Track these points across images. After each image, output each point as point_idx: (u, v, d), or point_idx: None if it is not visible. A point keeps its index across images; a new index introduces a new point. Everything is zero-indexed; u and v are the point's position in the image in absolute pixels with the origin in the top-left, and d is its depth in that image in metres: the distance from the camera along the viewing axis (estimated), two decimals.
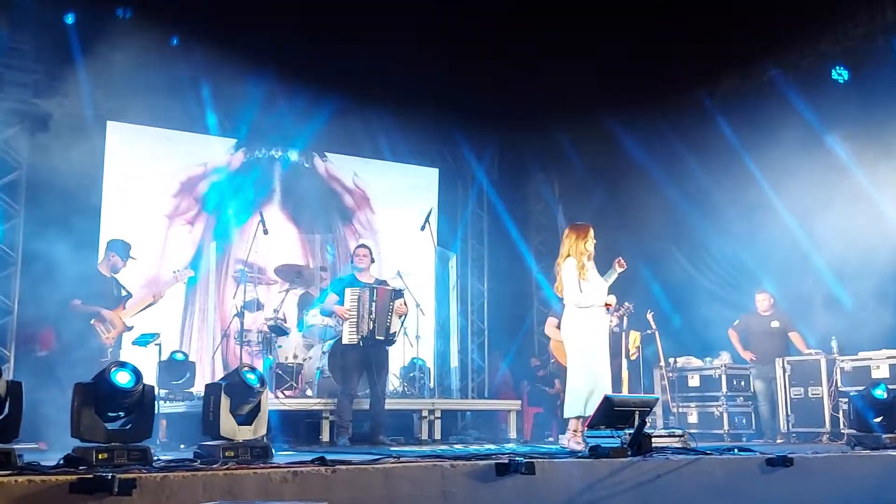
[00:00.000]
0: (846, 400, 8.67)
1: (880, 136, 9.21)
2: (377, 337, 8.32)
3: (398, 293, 8.68)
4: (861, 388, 7.93)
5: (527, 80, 11.13)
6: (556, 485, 5.04)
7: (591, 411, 6.66)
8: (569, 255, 7.12)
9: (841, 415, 9.15)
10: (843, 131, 9.67)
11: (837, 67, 9.96)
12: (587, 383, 6.90)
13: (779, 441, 9.46)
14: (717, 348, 10.69)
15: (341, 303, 8.36)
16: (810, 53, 10.09)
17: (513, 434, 9.78)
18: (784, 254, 10.23)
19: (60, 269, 9.72)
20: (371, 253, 8.79)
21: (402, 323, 8.89)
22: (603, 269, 7.30)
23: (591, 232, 7.23)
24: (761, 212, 10.33)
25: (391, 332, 8.47)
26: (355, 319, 8.28)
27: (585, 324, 7.05)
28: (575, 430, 6.91)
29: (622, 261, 7.25)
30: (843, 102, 9.54)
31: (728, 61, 10.80)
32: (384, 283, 8.82)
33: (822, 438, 9.18)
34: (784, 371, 9.76)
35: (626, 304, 9.78)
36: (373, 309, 8.31)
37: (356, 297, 8.32)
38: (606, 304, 7.13)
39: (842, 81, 9.94)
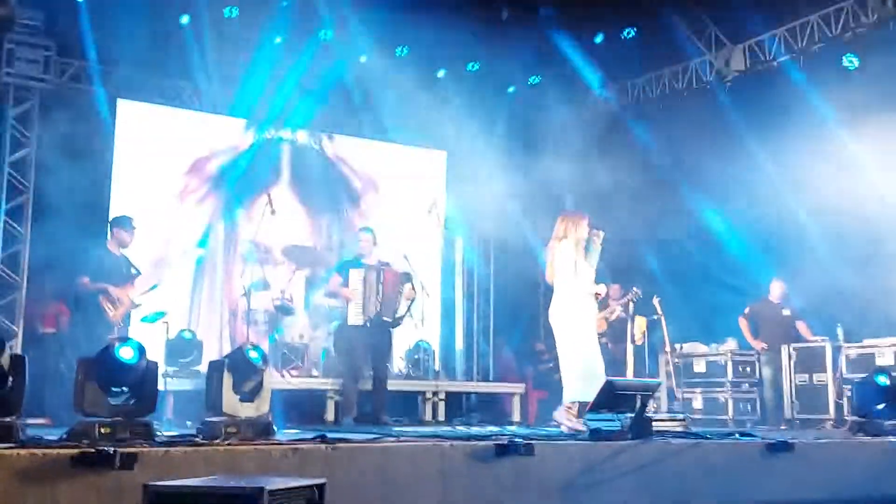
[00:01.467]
0: (850, 387, 8.67)
1: (890, 124, 9.15)
2: (384, 318, 8.34)
3: (407, 276, 8.69)
4: (865, 375, 7.92)
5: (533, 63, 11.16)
6: (554, 466, 5.07)
7: (589, 397, 6.72)
8: (565, 238, 7.12)
9: (845, 402, 9.15)
10: (853, 119, 9.62)
11: (848, 55, 9.90)
12: (584, 369, 6.93)
13: (782, 427, 9.47)
14: (723, 334, 10.69)
15: (345, 285, 8.37)
16: (820, 40, 10.03)
17: (516, 417, 9.81)
18: (791, 240, 10.21)
19: (69, 246, 9.79)
20: (374, 236, 8.77)
21: (410, 307, 8.90)
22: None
23: (587, 220, 7.24)
24: (769, 198, 10.30)
25: (398, 315, 8.49)
26: (361, 300, 8.28)
27: (577, 310, 7.06)
28: (569, 408, 6.91)
29: (600, 233, 7.22)
30: (853, 90, 9.48)
31: (737, 46, 10.79)
32: (388, 265, 8.81)
33: (825, 425, 9.18)
34: (790, 358, 9.76)
35: (634, 289, 9.79)
36: (380, 290, 8.31)
37: (361, 278, 8.32)
38: (596, 294, 7.15)
39: (852, 69, 9.88)
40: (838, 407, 9.30)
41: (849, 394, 8.91)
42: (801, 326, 9.99)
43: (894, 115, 9.06)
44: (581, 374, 6.92)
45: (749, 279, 10.62)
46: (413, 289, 8.68)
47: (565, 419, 6.86)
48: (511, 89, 12.99)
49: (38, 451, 3.89)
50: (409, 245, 11.03)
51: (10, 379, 4.28)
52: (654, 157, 11.04)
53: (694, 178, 10.91)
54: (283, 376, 8.97)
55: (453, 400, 10.17)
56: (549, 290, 7.51)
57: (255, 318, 9.77)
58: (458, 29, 11.42)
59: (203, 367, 9.21)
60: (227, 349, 10.61)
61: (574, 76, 12.25)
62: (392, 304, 8.40)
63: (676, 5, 10.88)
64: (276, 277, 10.87)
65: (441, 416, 9.31)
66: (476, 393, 11.27)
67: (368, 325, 8.28)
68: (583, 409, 7.02)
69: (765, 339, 10.10)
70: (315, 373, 9.41)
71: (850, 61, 9.92)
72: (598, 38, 11.52)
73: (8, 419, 4.20)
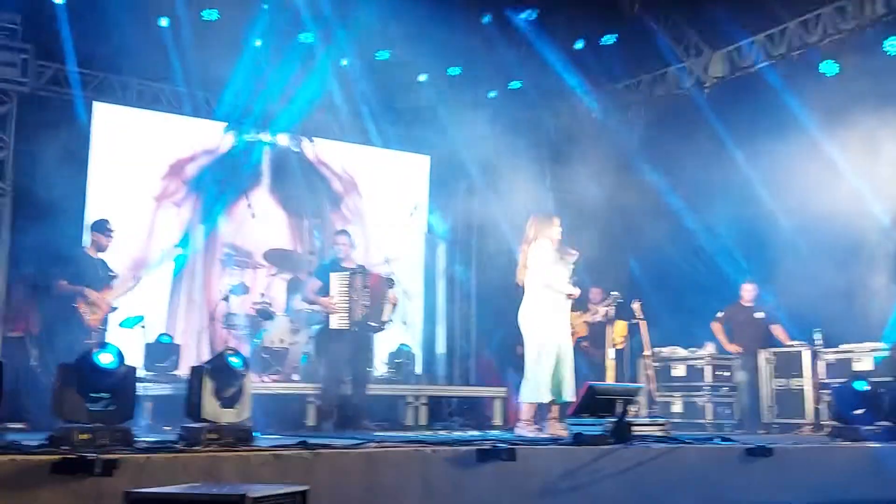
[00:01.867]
0: (828, 392, 8.74)
1: (868, 129, 9.24)
2: (370, 323, 8.27)
3: (390, 282, 8.67)
4: (843, 380, 7.99)
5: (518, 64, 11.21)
6: (536, 471, 5.08)
7: (546, 398, 6.98)
8: (535, 240, 7.20)
9: (823, 406, 9.22)
10: (831, 124, 9.71)
11: (826, 61, 10.00)
12: (544, 372, 7.08)
13: (760, 432, 9.53)
14: (702, 339, 10.74)
15: (325, 290, 8.29)
16: (799, 46, 10.12)
17: (498, 421, 9.81)
18: (770, 244, 10.29)
19: (46, 249, 9.71)
20: (351, 239, 8.72)
21: (393, 311, 8.86)
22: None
23: (556, 219, 7.45)
24: (749, 203, 10.37)
25: (383, 319, 8.46)
26: (347, 304, 8.19)
27: (545, 312, 7.18)
28: (528, 420, 7.10)
29: (574, 253, 7.43)
30: (832, 95, 9.57)
31: (716, 52, 10.87)
32: (364, 268, 8.73)
33: (803, 430, 9.25)
34: (767, 362, 9.82)
35: (613, 293, 9.82)
36: (367, 294, 8.23)
37: (346, 283, 8.24)
38: (569, 295, 7.20)
39: (829, 74, 9.98)
40: (816, 412, 9.36)
41: (827, 398, 8.99)
42: (777, 330, 10.04)
43: (872, 119, 9.15)
44: (536, 376, 7.08)
45: (729, 283, 10.68)
46: (395, 296, 8.65)
47: (527, 430, 7.02)
48: (492, 94, 13.01)
49: (18, 457, 3.86)
50: (391, 248, 11.04)
51: None
52: (635, 162, 11.08)
53: (674, 183, 10.98)
54: (262, 381, 8.93)
55: (435, 404, 10.16)
56: None
57: (234, 323, 9.73)
58: (439, 33, 11.46)
59: (181, 372, 9.16)
60: (205, 354, 10.55)
61: (555, 81, 12.29)
62: (379, 308, 8.35)
63: (656, 12, 10.95)
64: (256, 281, 10.83)
65: (423, 421, 9.30)
66: (458, 397, 11.27)
67: (355, 329, 8.21)
68: (542, 411, 7.26)
69: (739, 343, 10.16)
70: (295, 377, 9.36)
71: (829, 67, 10.01)
72: (579, 44, 11.55)
73: None
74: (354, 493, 4.51)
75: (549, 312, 7.19)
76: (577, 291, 7.50)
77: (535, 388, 7.11)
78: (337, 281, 8.22)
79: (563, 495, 5.08)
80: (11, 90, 10.30)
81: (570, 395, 7.20)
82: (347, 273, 8.27)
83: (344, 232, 8.89)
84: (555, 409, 7.27)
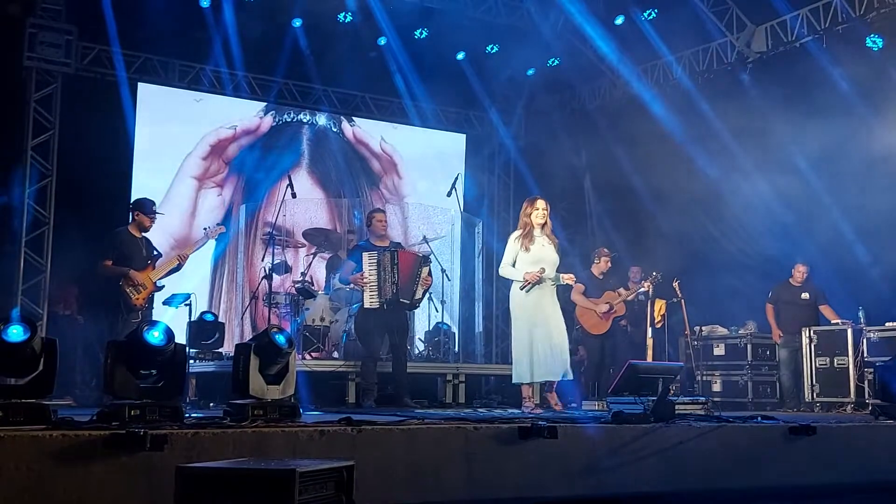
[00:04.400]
0: (871, 370, 8.64)
1: None
2: (402, 300, 8.29)
3: (426, 260, 8.66)
4: (887, 358, 7.89)
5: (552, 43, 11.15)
6: (578, 449, 5.09)
7: (537, 378, 7.24)
8: (520, 223, 7.45)
9: (866, 385, 9.12)
10: (875, 100, 9.54)
11: (872, 36, 9.80)
12: (527, 353, 7.25)
13: (802, 410, 9.45)
14: (742, 317, 10.66)
15: (359, 270, 8.32)
16: (844, 20, 9.93)
17: (535, 400, 9.81)
18: (814, 222, 10.16)
19: (91, 229, 9.87)
20: (386, 217, 8.77)
21: (426, 292, 8.88)
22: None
23: (539, 202, 7.49)
24: (791, 179, 10.23)
25: (416, 297, 8.48)
26: (376, 283, 8.22)
27: (527, 295, 7.30)
28: (527, 397, 7.38)
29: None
30: (877, 70, 9.39)
31: (759, 27, 10.71)
32: (400, 245, 8.76)
33: (845, 408, 9.16)
34: (810, 341, 9.73)
35: (654, 273, 9.78)
36: (395, 273, 8.26)
37: (375, 261, 8.26)
38: (525, 280, 7.29)
39: (875, 49, 9.79)
40: (859, 390, 9.26)
41: (870, 377, 8.89)
42: (826, 310, 9.91)
43: None
44: (525, 357, 7.28)
45: (771, 261, 10.58)
46: (430, 275, 8.66)
47: (526, 400, 7.36)
48: (530, 71, 12.96)
49: (71, 433, 3.94)
50: (429, 228, 11.08)
51: (42, 362, 4.33)
52: (676, 140, 10.97)
53: (716, 160, 10.85)
54: (304, 359, 9.02)
55: (473, 382, 10.20)
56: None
57: (276, 301, 9.83)
58: (476, 11, 11.43)
59: (225, 350, 9.30)
60: (248, 332, 10.69)
61: (594, 58, 12.21)
62: (410, 286, 8.36)
63: None
64: (297, 260, 10.94)
65: (461, 399, 9.33)
66: (495, 375, 11.30)
67: (385, 307, 8.26)
68: (542, 390, 7.53)
69: (783, 322, 10.06)
70: (336, 355, 9.45)
71: (874, 42, 9.82)
72: (619, 20, 11.44)
73: (40, 401, 4.26)
74: (398, 469, 4.56)
75: (534, 297, 7.31)
76: (571, 278, 7.70)
77: (518, 370, 7.35)
78: (367, 259, 8.25)
79: (605, 473, 5.09)
80: (56, 71, 10.45)
81: (568, 373, 7.43)
82: (376, 252, 8.28)
83: (380, 210, 8.91)
84: (552, 396, 7.48)
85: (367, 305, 8.25)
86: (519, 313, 7.42)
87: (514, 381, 7.46)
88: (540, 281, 7.30)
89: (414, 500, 4.55)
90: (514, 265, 7.44)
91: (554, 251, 7.48)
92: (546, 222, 7.47)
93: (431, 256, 9.27)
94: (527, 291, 7.33)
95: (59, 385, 4.70)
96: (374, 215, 8.68)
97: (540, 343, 7.29)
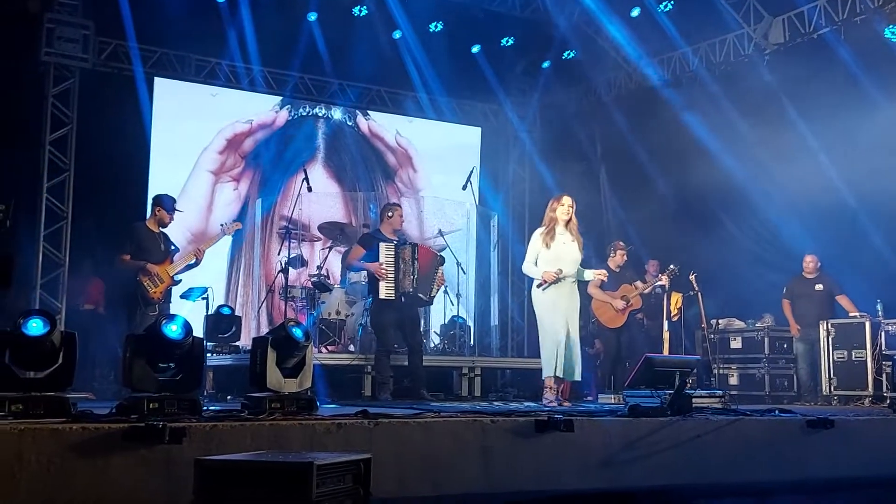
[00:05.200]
0: (889, 363, 8.59)
1: None
2: (419, 294, 8.31)
3: (442, 259, 8.70)
4: None
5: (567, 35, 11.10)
6: (594, 442, 5.08)
7: (559, 372, 7.18)
8: (546, 220, 7.42)
9: (884, 378, 9.06)
10: (894, 90, 9.46)
11: (891, 27, 9.72)
12: (552, 347, 7.21)
13: (820, 404, 9.41)
14: (760, 310, 10.61)
15: (370, 257, 8.26)
16: (862, 11, 9.85)
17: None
18: (831, 215, 10.09)
19: (109, 223, 9.94)
20: (402, 211, 8.76)
21: (439, 290, 8.90)
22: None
23: (565, 199, 7.44)
24: (809, 172, 10.15)
25: (432, 295, 8.52)
26: (394, 275, 8.24)
27: (545, 294, 7.29)
28: (548, 388, 7.28)
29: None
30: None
31: (776, 18, 10.64)
32: (412, 242, 8.74)
33: (863, 401, 9.11)
34: (827, 334, 9.67)
35: (671, 266, 9.76)
36: (415, 267, 8.26)
37: (393, 253, 8.23)
38: (543, 280, 7.26)
39: (894, 40, 9.70)
40: (877, 383, 9.21)
41: (888, 370, 8.83)
42: (843, 300, 9.85)
43: None
44: (551, 350, 7.23)
45: (788, 254, 10.52)
46: (443, 275, 8.71)
47: (546, 390, 7.27)
48: (546, 64, 12.92)
49: (90, 426, 3.97)
50: (444, 221, 11.08)
51: (62, 355, 4.37)
52: (692, 132, 10.92)
53: (733, 152, 10.79)
54: (320, 352, 9.05)
55: (489, 375, 10.21)
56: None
57: (292, 295, 9.86)
58: (491, 4, 11.40)
59: (242, 343, 9.35)
60: (264, 325, 10.74)
61: (610, 50, 12.17)
62: (428, 283, 8.38)
63: None
64: (313, 254, 10.97)
65: (477, 392, 9.35)
66: (511, 368, 11.31)
67: (402, 300, 8.27)
68: (559, 384, 7.42)
69: (798, 315, 10.01)
70: (352, 348, 9.47)
71: (893, 32, 9.73)
72: (635, 12, 11.40)
73: (60, 394, 4.30)
74: (415, 461, 4.57)
75: (552, 294, 7.29)
76: (603, 274, 7.76)
77: (548, 363, 7.30)
78: (384, 250, 8.24)
79: (621, 467, 5.08)
80: (73, 66, 10.51)
81: (578, 375, 7.39)
82: (394, 244, 8.28)
83: (397, 204, 8.87)
84: (566, 387, 7.43)
85: (382, 296, 8.23)
86: (540, 311, 7.40)
87: (544, 376, 7.39)
88: (557, 280, 7.28)
89: (430, 492, 4.56)
90: (536, 262, 7.42)
91: (576, 249, 7.42)
92: (571, 219, 7.43)
93: (448, 250, 9.28)
94: (543, 290, 7.33)
95: (80, 379, 4.77)
96: (396, 209, 8.62)
97: (560, 341, 7.27)
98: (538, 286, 7.38)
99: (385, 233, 8.48)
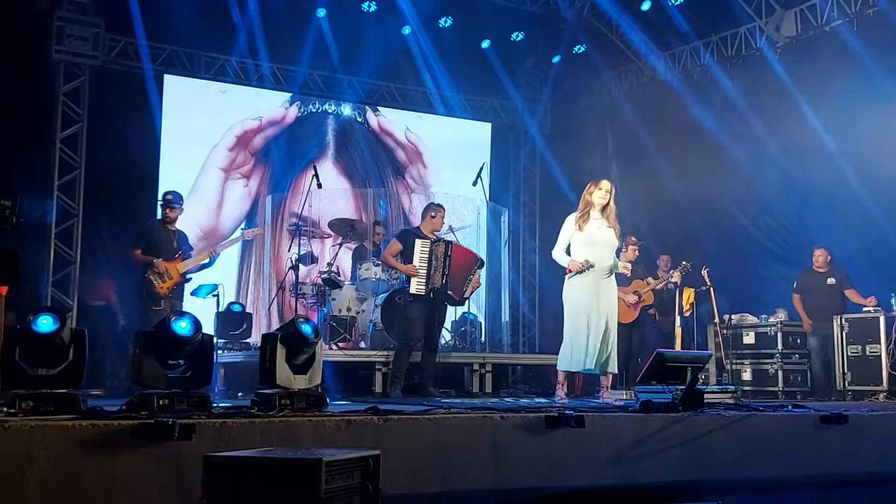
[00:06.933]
0: None
1: None
2: (449, 292, 8.24)
3: (482, 263, 8.65)
4: None
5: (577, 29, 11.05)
6: (605, 438, 5.06)
7: (574, 367, 7.03)
8: (579, 208, 7.15)
9: None
10: None
11: None
12: (568, 340, 7.04)
13: (833, 399, 9.35)
14: (772, 305, 10.55)
15: (408, 257, 8.22)
16: (875, 3, 9.77)
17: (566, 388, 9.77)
18: (844, 209, 10.02)
19: (119, 220, 9.97)
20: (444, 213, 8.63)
21: (472, 293, 8.83)
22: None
23: (604, 183, 7.16)
24: (821, 165, 10.09)
25: (465, 296, 8.49)
26: (426, 271, 8.18)
27: (577, 281, 7.04)
28: (560, 383, 7.18)
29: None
30: None
31: (788, 11, 10.57)
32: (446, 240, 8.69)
33: (878, 396, 9.05)
34: (841, 328, 9.61)
35: (683, 263, 9.71)
36: (447, 263, 8.20)
37: (427, 250, 8.17)
38: (568, 268, 7.03)
39: None
40: (892, 378, 9.14)
41: None
42: (852, 294, 9.79)
43: None
44: (568, 344, 7.05)
45: (800, 248, 10.45)
46: (479, 279, 8.64)
47: (558, 386, 7.19)
48: (556, 59, 12.88)
49: (100, 423, 3.96)
50: (455, 217, 11.03)
51: (72, 352, 4.37)
52: (704, 127, 10.86)
53: (744, 146, 10.73)
54: (330, 348, 9.04)
55: (500, 371, 10.18)
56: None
57: (302, 292, 9.86)
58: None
59: (252, 340, 9.36)
60: (275, 322, 10.75)
61: (621, 44, 12.11)
62: (461, 283, 8.32)
63: None
64: (323, 251, 10.96)
65: (488, 388, 9.33)
66: (522, 365, 11.27)
67: (432, 295, 8.22)
68: (570, 379, 7.37)
69: (810, 310, 9.95)
70: (363, 345, 9.47)
71: None
72: (646, 6, 11.34)
73: (70, 391, 4.30)
74: (424, 458, 4.55)
75: (588, 283, 7.02)
76: (627, 267, 7.45)
77: (568, 357, 7.07)
78: (419, 247, 8.20)
79: (632, 463, 5.05)
80: (84, 64, 10.54)
81: (614, 367, 7.15)
82: (429, 241, 8.25)
83: (440, 205, 8.71)
84: (605, 380, 7.24)
85: (413, 291, 8.19)
86: (565, 301, 7.16)
87: (559, 367, 7.22)
88: (583, 270, 7.00)
89: (440, 489, 4.54)
90: (568, 247, 7.12)
91: (613, 235, 7.11)
92: (609, 205, 7.10)
93: (483, 260, 9.19)
94: (569, 278, 7.11)
95: (90, 376, 4.78)
96: (439, 210, 8.51)
97: (591, 332, 7.00)
98: (565, 274, 7.19)
99: (424, 231, 8.43)
